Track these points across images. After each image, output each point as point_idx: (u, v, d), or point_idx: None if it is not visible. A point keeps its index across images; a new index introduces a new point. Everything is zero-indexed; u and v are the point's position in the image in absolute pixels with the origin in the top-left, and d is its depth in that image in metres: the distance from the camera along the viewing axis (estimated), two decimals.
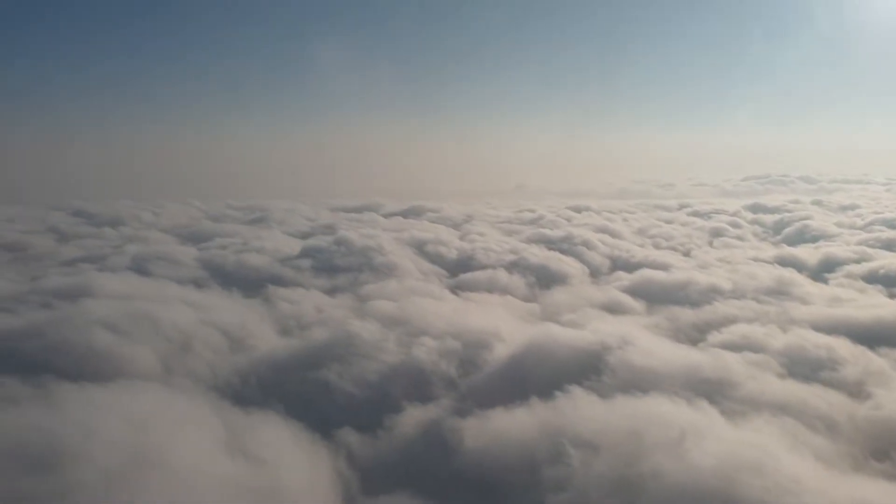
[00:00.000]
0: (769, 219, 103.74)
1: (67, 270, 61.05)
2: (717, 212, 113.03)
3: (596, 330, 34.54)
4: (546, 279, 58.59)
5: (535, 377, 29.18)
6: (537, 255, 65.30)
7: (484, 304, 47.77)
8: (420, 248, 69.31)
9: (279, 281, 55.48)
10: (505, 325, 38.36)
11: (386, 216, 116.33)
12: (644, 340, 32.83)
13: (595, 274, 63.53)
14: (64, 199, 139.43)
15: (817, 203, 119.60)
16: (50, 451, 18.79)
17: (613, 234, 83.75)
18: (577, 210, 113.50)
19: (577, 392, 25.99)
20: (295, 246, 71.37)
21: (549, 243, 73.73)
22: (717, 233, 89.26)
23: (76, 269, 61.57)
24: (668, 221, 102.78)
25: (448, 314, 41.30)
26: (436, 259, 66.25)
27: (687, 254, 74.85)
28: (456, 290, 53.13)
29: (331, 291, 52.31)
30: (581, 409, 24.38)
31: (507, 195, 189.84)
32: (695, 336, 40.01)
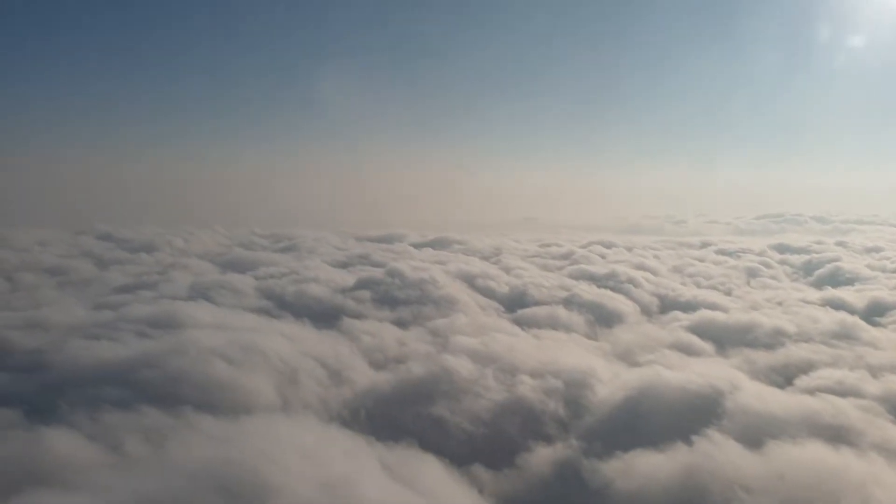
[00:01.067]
0: (797, 259, 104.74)
1: (128, 298, 61.30)
2: (744, 251, 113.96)
3: (699, 373, 35.26)
4: (603, 317, 59.38)
5: (655, 419, 29.95)
6: (589, 292, 66.20)
7: (556, 341, 48.54)
8: (470, 281, 70.14)
9: (345, 312, 56.29)
10: (595, 364, 39.20)
11: (414, 247, 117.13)
12: (747, 384, 33.65)
13: (646, 312, 64.39)
14: (84, 223, 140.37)
15: (841, 244, 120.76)
16: (255, 485, 19.48)
17: (652, 272, 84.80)
18: (606, 246, 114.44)
19: (714, 436, 26.71)
20: (339, 276, 72.30)
21: (594, 280, 74.69)
22: (752, 272, 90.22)
23: (137, 296, 61.87)
24: (700, 259, 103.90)
25: (531, 351, 42.25)
26: (487, 293, 67.01)
27: (728, 293, 75.70)
28: (519, 325, 53.91)
29: (401, 324, 53.01)
30: (724, 454, 25.10)
31: (518, 227, 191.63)
32: (778, 380, 40.73)
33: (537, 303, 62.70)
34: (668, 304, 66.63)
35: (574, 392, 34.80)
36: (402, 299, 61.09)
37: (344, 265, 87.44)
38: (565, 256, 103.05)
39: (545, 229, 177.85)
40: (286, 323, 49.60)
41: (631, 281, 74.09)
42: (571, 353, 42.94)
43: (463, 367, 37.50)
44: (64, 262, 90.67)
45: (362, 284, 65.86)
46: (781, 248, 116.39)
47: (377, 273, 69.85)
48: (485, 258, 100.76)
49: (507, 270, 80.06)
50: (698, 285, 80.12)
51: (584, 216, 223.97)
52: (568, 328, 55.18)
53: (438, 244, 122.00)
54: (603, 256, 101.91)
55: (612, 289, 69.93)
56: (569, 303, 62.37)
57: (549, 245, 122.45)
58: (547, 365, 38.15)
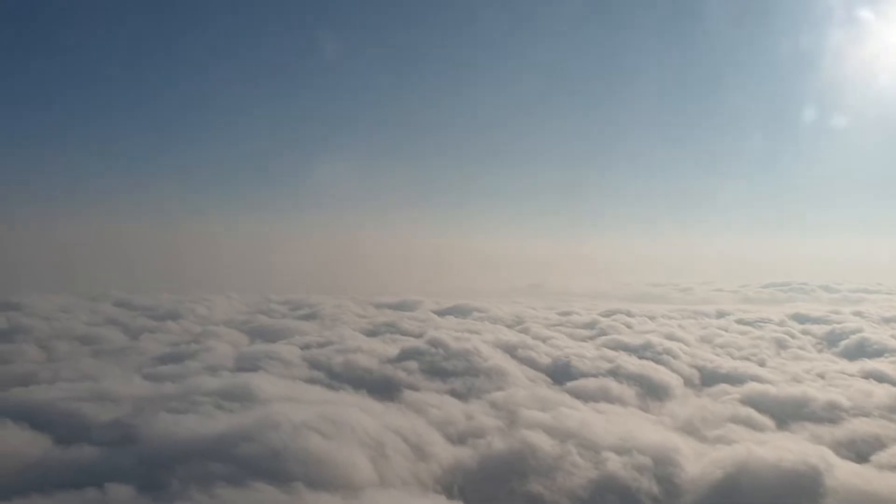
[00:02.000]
0: (818, 329, 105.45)
1: (176, 368, 61.18)
2: (763, 321, 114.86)
3: (787, 449, 35.65)
4: (651, 389, 59.80)
5: (758, 500, 30.24)
6: (632, 363, 66.64)
7: (619, 415, 48.85)
8: (511, 351, 70.55)
9: (398, 383, 56.69)
10: (675, 440, 39.56)
11: (437, 314, 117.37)
12: (837, 461, 34.06)
13: (689, 384, 64.82)
14: (93, 289, 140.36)
15: (858, 314, 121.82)
16: None
17: (683, 342, 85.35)
18: (629, 315, 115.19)
19: None
20: (378, 345, 72.69)
21: (630, 350, 75.08)
22: (780, 343, 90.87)
23: (184, 366, 61.80)
24: (724, 329, 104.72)
25: (602, 425, 42.63)
26: (530, 363, 67.43)
27: (762, 364, 76.24)
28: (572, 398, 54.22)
29: (458, 395, 53.26)
30: None
31: (526, 294, 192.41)
32: (849, 455, 40.96)
33: (583, 374, 63.10)
34: (707, 376, 67.12)
35: (664, 470, 35.07)
36: (450, 370, 61.35)
37: (372, 333, 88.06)
38: (589, 325, 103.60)
39: (553, 297, 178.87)
40: (348, 395, 49.92)
41: (668, 352, 74.65)
42: (641, 427, 43.25)
43: (543, 442, 37.89)
44: (93, 331, 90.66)
45: (407, 355, 66.06)
46: (800, 318, 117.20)
47: (419, 343, 70.09)
48: (508, 327, 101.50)
49: (544, 340, 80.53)
50: (731, 356, 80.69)
51: (587, 283, 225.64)
52: (619, 401, 55.74)
53: (458, 312, 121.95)
54: (629, 326, 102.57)
55: (651, 360, 70.52)
56: (614, 374, 62.84)
57: (568, 313, 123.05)
58: (626, 440, 38.48)
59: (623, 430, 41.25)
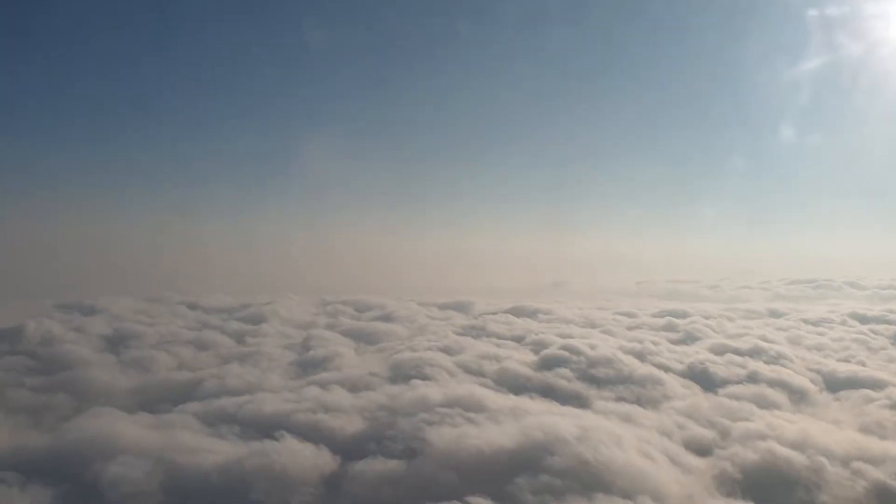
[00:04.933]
0: (884, 329, 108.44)
1: (338, 377, 62.42)
2: (825, 320, 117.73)
3: None
4: (795, 395, 62.34)
5: None
6: (765, 368, 69.37)
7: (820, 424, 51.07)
8: (640, 357, 72.85)
9: (570, 392, 59.03)
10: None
11: (499, 314, 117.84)
12: None
13: (822, 389, 67.42)
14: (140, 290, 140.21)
15: None
16: None
17: (777, 344, 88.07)
18: (706, 316, 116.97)
19: None
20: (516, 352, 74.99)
21: (743, 354, 77.04)
22: (864, 344, 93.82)
23: (343, 374, 63.00)
24: (794, 328, 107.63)
25: (820, 433, 45.35)
26: (665, 370, 69.68)
27: (863, 365, 79.15)
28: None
29: (642, 405, 55.57)
30: None
31: (554, 292, 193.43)
32: None
33: (724, 381, 65.48)
34: (829, 382, 69.51)
35: None
36: (604, 378, 63.50)
37: (470, 336, 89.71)
38: (670, 328, 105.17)
39: (583, 295, 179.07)
40: (547, 403, 52.22)
41: (781, 356, 77.32)
42: (853, 436, 46.07)
43: (793, 456, 40.48)
44: (200, 336, 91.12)
45: (552, 362, 68.09)
46: (860, 318, 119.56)
47: (555, 351, 72.04)
48: (585, 328, 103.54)
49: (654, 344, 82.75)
50: (831, 358, 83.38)
51: (607, 281, 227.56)
52: (775, 406, 58.38)
53: (520, 313, 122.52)
54: (710, 326, 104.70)
55: (770, 363, 73.16)
56: (753, 380, 65.46)
57: (632, 314, 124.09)
58: (864, 450, 41.28)
59: (841, 437, 44.01)
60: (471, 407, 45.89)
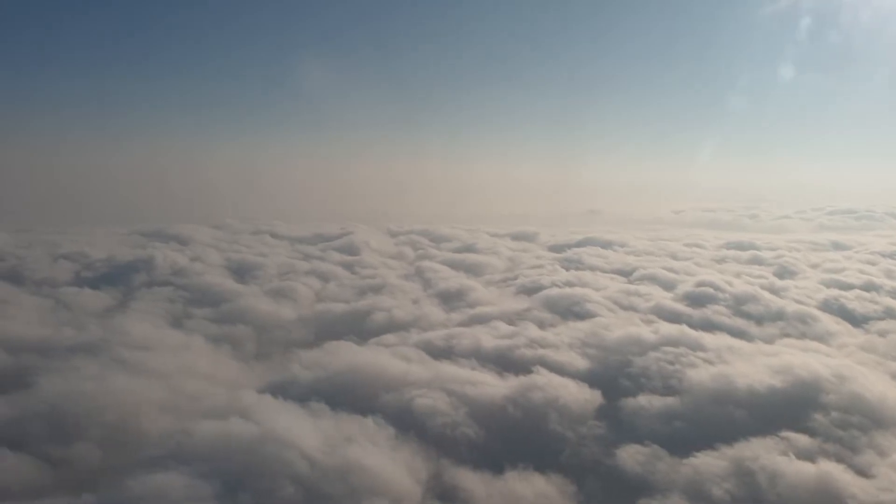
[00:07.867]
0: None
1: (493, 312, 63.50)
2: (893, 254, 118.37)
3: None
4: None
5: None
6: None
7: None
8: (776, 293, 73.45)
9: (731, 327, 60.62)
10: None
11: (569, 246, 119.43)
12: None
13: None
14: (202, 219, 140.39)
15: None
16: None
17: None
18: (773, 248, 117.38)
19: None
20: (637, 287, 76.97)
21: (861, 288, 77.96)
22: None
23: (492, 310, 64.21)
24: (873, 264, 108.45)
25: None
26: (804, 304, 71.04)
27: None
28: None
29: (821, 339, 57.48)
30: None
31: (588, 220, 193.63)
32: None
33: (866, 318, 67.04)
34: None
35: None
36: (757, 315, 64.81)
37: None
38: (756, 261, 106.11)
39: (622, 224, 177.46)
40: (737, 340, 53.77)
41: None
42: None
43: None
44: (308, 266, 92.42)
45: (698, 298, 69.41)
46: None
47: (692, 288, 73.37)
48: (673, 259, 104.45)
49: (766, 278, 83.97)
50: None
51: (641, 210, 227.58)
52: None
53: (589, 243, 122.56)
54: (798, 259, 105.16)
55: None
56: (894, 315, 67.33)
57: (698, 245, 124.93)
58: None
59: None
60: (692, 346, 47.63)
